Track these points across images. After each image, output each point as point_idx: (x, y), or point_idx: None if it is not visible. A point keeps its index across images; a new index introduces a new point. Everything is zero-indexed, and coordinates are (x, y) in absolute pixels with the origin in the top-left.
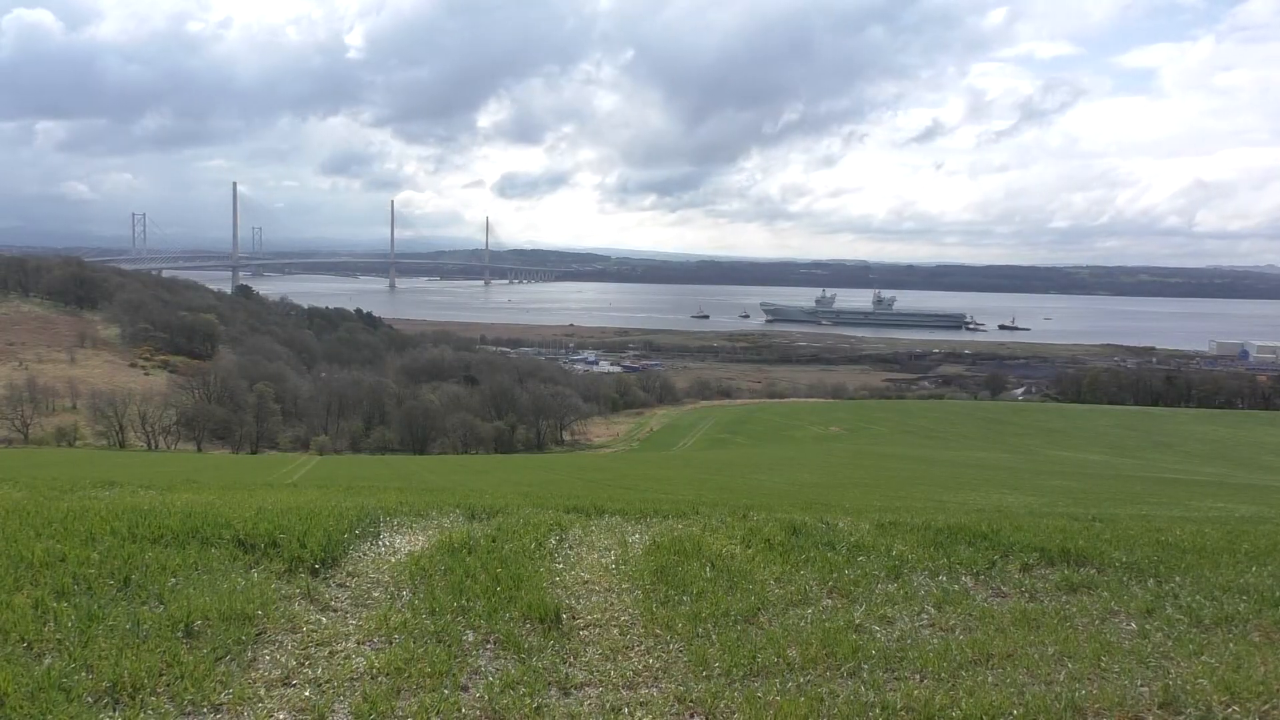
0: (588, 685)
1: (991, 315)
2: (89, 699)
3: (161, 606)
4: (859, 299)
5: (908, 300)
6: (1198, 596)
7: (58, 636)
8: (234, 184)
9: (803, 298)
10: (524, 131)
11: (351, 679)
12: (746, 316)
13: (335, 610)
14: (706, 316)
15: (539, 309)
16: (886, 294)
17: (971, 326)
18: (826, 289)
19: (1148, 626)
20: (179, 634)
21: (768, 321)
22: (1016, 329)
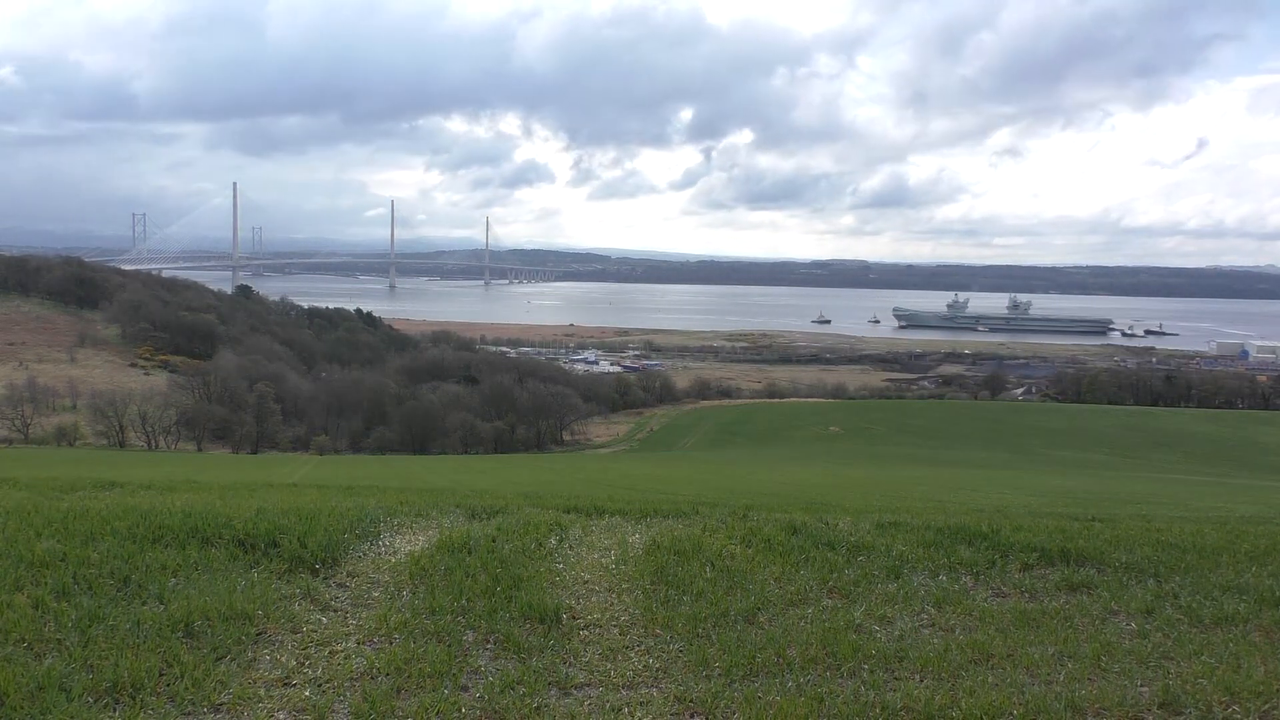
0: (587, 685)
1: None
2: (89, 699)
3: (161, 606)
4: (992, 303)
5: (1043, 304)
6: (1198, 596)
7: (58, 636)
8: (234, 184)
9: (933, 302)
10: (699, 132)
11: (351, 679)
12: (877, 321)
13: (335, 610)
14: (828, 321)
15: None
16: (1022, 298)
17: (1126, 332)
18: (959, 293)
19: (1148, 626)
20: (179, 634)
21: (900, 327)
22: (1164, 334)
